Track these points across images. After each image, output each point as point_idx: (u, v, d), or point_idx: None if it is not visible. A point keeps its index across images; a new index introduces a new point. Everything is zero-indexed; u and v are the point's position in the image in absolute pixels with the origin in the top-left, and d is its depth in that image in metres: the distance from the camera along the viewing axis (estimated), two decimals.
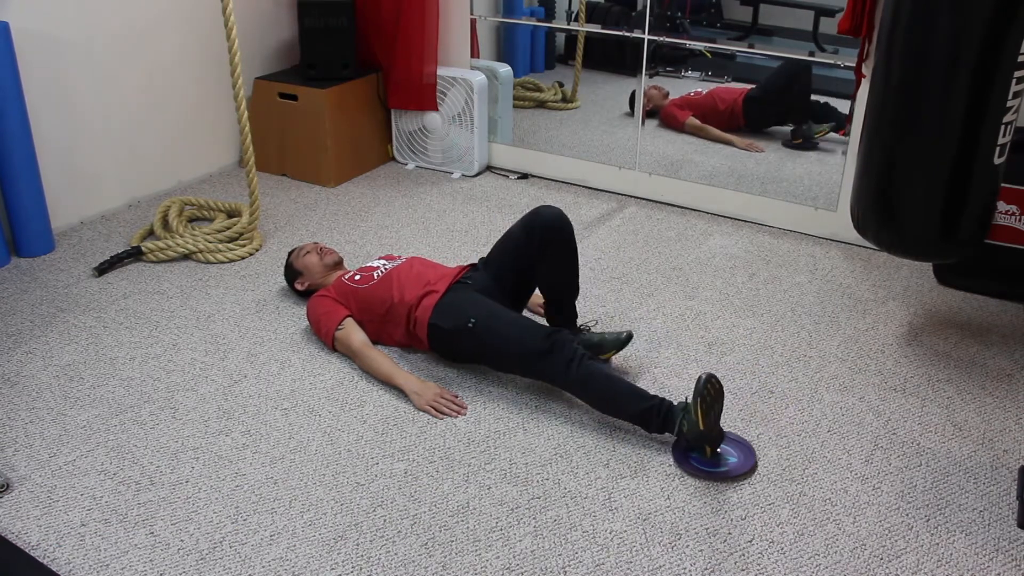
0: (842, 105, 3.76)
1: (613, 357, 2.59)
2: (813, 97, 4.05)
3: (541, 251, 2.53)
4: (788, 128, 4.08)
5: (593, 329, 2.67)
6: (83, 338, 2.72)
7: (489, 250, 2.68)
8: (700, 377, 2.12)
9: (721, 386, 2.16)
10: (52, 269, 3.15)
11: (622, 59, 4.41)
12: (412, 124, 4.13)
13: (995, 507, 2.06)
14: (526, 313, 2.74)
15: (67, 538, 1.94)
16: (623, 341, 2.53)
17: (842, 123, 3.80)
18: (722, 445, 2.21)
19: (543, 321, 2.67)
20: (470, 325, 2.41)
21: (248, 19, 3.96)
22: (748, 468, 2.17)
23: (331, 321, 2.61)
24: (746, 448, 2.23)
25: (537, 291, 2.70)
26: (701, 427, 2.12)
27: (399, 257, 2.78)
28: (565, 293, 2.61)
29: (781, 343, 2.73)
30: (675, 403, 2.22)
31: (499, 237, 2.67)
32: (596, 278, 3.11)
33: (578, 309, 2.65)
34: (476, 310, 2.44)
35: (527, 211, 2.59)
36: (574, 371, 2.28)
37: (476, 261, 2.70)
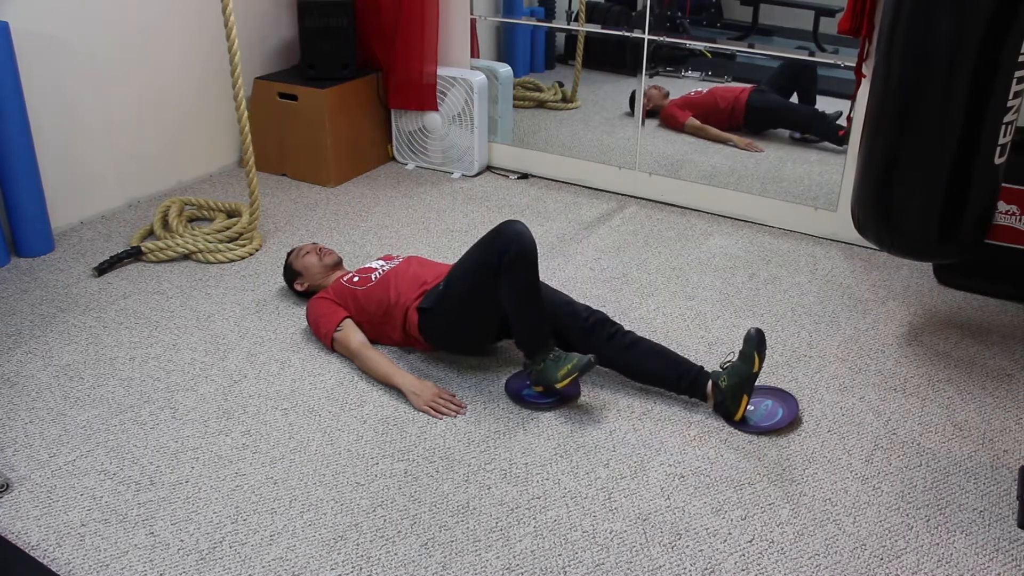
0: (842, 105, 3.76)
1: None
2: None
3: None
4: (788, 133, 4.09)
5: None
6: (83, 338, 2.72)
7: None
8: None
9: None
10: (52, 269, 3.15)
11: (622, 59, 4.41)
12: (412, 124, 4.13)
13: (995, 507, 2.06)
14: None
15: (67, 538, 1.94)
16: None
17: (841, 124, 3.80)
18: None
19: None
20: (441, 287, 2.43)
21: (248, 19, 3.96)
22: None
23: (330, 322, 2.61)
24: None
25: None
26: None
27: (397, 257, 2.78)
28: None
29: (781, 343, 2.72)
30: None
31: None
32: (596, 278, 3.10)
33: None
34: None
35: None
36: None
37: None
